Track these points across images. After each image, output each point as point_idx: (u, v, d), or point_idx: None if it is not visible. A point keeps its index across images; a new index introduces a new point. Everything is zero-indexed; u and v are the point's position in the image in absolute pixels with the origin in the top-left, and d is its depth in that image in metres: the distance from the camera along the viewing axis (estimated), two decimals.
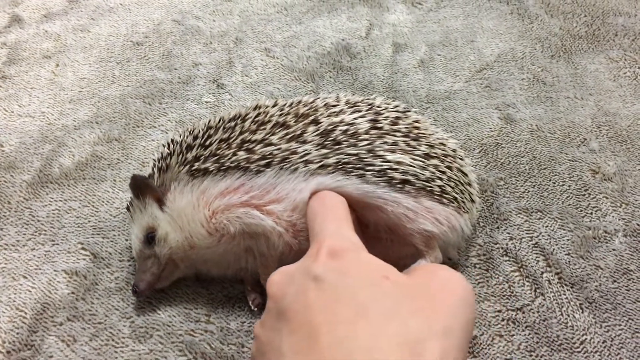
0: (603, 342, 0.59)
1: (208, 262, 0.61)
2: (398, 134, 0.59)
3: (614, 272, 0.64)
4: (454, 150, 0.63)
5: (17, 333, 0.60)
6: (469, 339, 0.41)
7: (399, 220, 0.56)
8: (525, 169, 0.76)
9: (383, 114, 0.61)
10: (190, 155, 0.58)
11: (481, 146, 0.79)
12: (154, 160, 0.62)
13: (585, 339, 0.59)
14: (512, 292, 0.63)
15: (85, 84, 0.92)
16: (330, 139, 0.57)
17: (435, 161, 0.59)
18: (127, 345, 0.59)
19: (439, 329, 0.38)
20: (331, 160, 0.55)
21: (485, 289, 0.63)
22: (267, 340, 0.42)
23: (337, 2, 1.08)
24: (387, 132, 0.58)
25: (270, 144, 0.57)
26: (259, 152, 0.56)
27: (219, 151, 0.57)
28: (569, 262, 0.65)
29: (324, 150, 0.56)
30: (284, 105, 0.62)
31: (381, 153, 0.56)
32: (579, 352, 0.58)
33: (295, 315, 0.40)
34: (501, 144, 0.80)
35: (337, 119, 0.59)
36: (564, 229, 0.68)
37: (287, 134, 0.57)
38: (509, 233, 0.68)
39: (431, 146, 0.60)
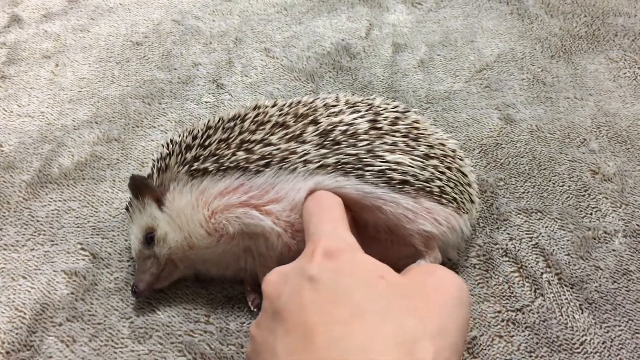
0: (603, 343, 0.59)
1: (207, 262, 0.61)
2: (397, 134, 0.59)
3: (614, 272, 0.64)
4: (453, 151, 0.62)
5: (16, 333, 0.60)
6: (465, 338, 0.41)
7: (398, 221, 0.56)
8: (525, 170, 0.76)
9: (382, 114, 0.61)
10: (189, 156, 0.58)
11: (481, 146, 0.79)
12: (153, 160, 0.62)
13: (585, 339, 0.59)
14: (512, 293, 0.63)
15: (84, 84, 0.92)
16: (329, 139, 0.57)
17: (434, 161, 0.58)
18: (126, 345, 0.59)
19: (434, 328, 0.38)
20: (330, 160, 0.55)
21: (485, 289, 0.63)
22: (262, 340, 0.42)
23: (337, 2, 1.08)
24: (386, 133, 0.58)
25: (270, 144, 0.57)
26: (258, 152, 0.56)
27: (218, 151, 0.57)
28: (569, 262, 0.65)
29: (323, 151, 0.56)
30: (284, 105, 0.62)
31: (380, 153, 0.56)
32: (578, 352, 0.58)
33: (291, 315, 0.40)
34: (501, 144, 0.80)
35: (337, 119, 0.59)
36: (564, 230, 0.68)
37: (286, 134, 0.57)
38: (508, 233, 0.68)
39: (431, 146, 0.60)
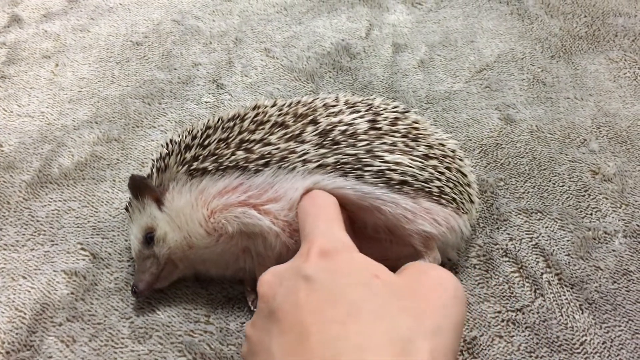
0: (603, 343, 0.58)
1: (207, 262, 0.61)
2: (397, 134, 0.59)
3: (614, 273, 0.64)
4: (453, 151, 0.62)
5: (17, 333, 0.60)
6: (460, 337, 0.41)
7: (397, 221, 0.56)
8: (525, 170, 0.76)
9: (382, 114, 0.61)
10: (188, 155, 0.58)
11: (481, 147, 0.79)
12: (153, 160, 0.62)
13: (585, 340, 0.59)
14: (512, 293, 0.63)
15: (84, 84, 0.92)
16: (328, 139, 0.57)
17: (434, 162, 0.58)
18: (126, 345, 0.59)
19: (429, 327, 0.38)
20: (329, 160, 0.55)
21: (485, 289, 0.63)
22: (258, 340, 0.42)
23: (337, 2, 1.08)
24: (386, 133, 0.58)
25: (269, 144, 0.57)
26: (258, 151, 0.56)
27: (217, 151, 0.57)
28: (569, 263, 0.65)
29: (323, 150, 0.56)
30: (283, 105, 0.62)
31: (380, 153, 0.56)
32: (578, 353, 0.58)
33: (286, 315, 0.40)
34: (501, 144, 0.80)
35: (336, 119, 0.59)
36: (564, 230, 0.68)
37: (285, 134, 0.57)
38: (508, 234, 0.68)
39: (430, 147, 0.60)
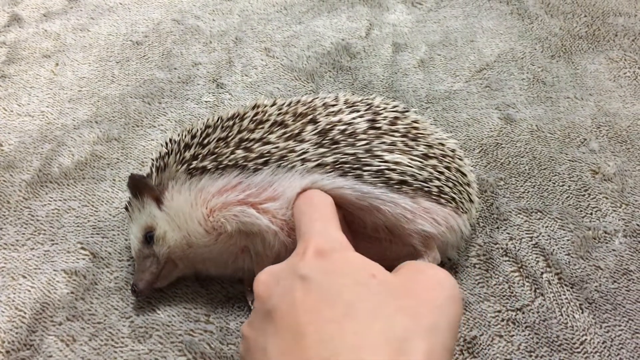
0: (603, 343, 0.58)
1: (206, 261, 0.61)
2: (396, 134, 0.59)
3: (614, 272, 0.64)
4: (452, 151, 0.62)
5: (16, 333, 0.60)
6: (456, 337, 0.41)
7: (396, 221, 0.56)
8: (525, 169, 0.76)
9: (382, 114, 0.61)
10: (188, 154, 0.58)
11: (481, 146, 0.79)
12: (152, 159, 0.62)
13: (585, 339, 0.59)
14: (512, 293, 0.63)
15: (84, 83, 0.92)
16: (328, 138, 0.57)
17: (433, 161, 0.58)
18: (126, 345, 0.59)
19: (425, 326, 0.38)
20: (329, 160, 0.55)
21: (485, 289, 0.63)
22: (254, 340, 0.42)
23: (337, 2, 1.08)
24: (385, 132, 0.58)
25: (268, 143, 0.57)
26: (257, 150, 0.56)
27: (217, 150, 0.57)
28: (569, 262, 0.65)
29: (322, 150, 0.56)
30: (283, 104, 0.62)
31: (379, 153, 0.56)
32: (578, 352, 0.58)
33: (282, 315, 0.40)
34: (501, 144, 0.80)
35: (335, 119, 0.59)
36: (564, 229, 0.68)
37: (285, 133, 0.57)
38: (508, 233, 0.68)
39: (430, 146, 0.60)
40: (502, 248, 0.67)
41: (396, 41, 0.98)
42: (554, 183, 0.74)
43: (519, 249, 0.66)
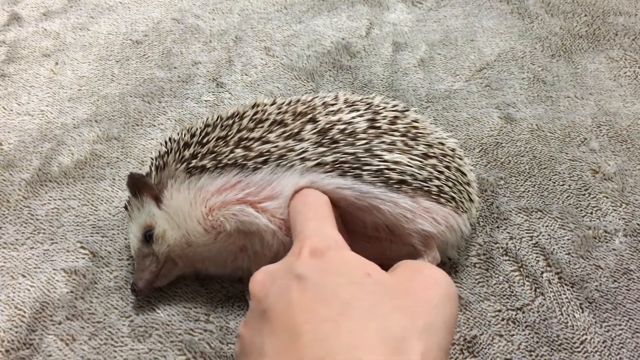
0: (603, 342, 0.58)
1: (205, 260, 0.60)
2: (396, 133, 0.59)
3: (614, 271, 0.64)
4: (452, 150, 0.62)
5: (16, 332, 0.60)
6: (452, 336, 0.41)
7: (396, 221, 0.56)
8: (526, 169, 0.76)
9: (381, 113, 0.61)
10: (187, 153, 0.58)
11: (481, 145, 0.79)
12: (152, 158, 0.62)
13: (586, 338, 0.59)
14: (512, 292, 0.63)
15: (84, 82, 0.92)
16: (327, 137, 0.57)
17: (433, 161, 0.58)
18: (126, 344, 0.59)
19: (421, 325, 0.38)
20: (328, 159, 0.55)
21: (485, 288, 0.63)
22: (250, 339, 0.42)
23: (337, 1, 1.08)
24: (385, 132, 0.58)
25: (268, 142, 0.57)
26: (256, 149, 0.56)
27: (216, 149, 0.57)
28: (569, 261, 0.65)
29: (321, 149, 0.56)
30: (282, 103, 0.62)
31: (379, 152, 0.56)
32: (579, 352, 0.58)
33: (278, 315, 0.40)
34: (501, 143, 0.79)
35: (335, 118, 0.59)
36: (564, 229, 0.68)
37: (284, 132, 0.57)
38: (509, 232, 0.68)
39: (429, 146, 0.59)
40: (502, 247, 0.67)
41: (396, 40, 0.98)
42: (554, 182, 0.74)
43: (519, 249, 0.66)
